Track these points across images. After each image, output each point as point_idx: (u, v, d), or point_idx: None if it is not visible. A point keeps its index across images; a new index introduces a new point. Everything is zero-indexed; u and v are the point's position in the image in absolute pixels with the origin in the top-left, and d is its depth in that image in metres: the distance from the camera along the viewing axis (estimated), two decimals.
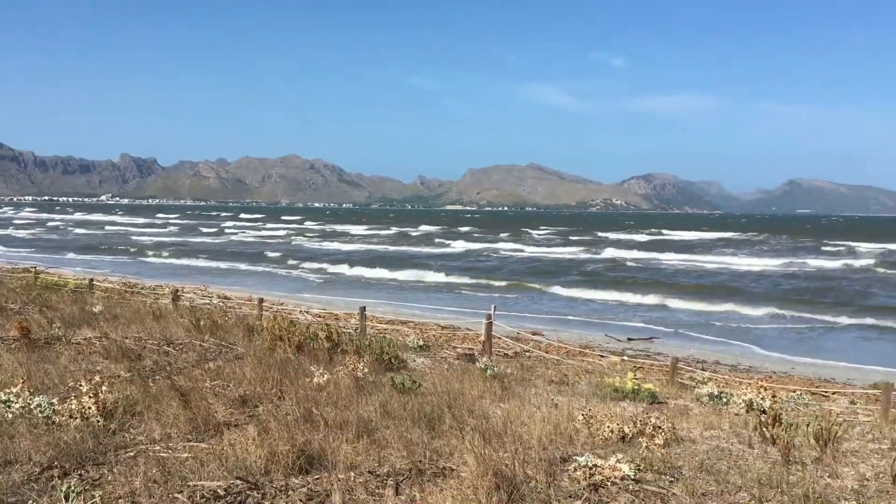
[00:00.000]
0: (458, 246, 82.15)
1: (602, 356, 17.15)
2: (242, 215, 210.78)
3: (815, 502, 6.31)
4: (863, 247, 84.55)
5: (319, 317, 22.99)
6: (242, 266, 53.95)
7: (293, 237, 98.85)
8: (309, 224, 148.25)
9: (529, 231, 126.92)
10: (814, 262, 60.87)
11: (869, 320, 30.21)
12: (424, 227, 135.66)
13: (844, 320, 30.29)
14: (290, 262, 58.01)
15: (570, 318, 30.67)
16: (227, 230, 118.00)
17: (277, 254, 65.97)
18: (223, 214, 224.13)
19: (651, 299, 36.93)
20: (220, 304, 23.15)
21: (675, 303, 35.73)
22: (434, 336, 18.80)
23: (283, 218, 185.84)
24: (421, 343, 15.36)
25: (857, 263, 60.13)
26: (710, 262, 61.62)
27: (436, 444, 7.13)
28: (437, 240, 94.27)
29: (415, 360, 13.12)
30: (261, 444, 6.39)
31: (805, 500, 6.28)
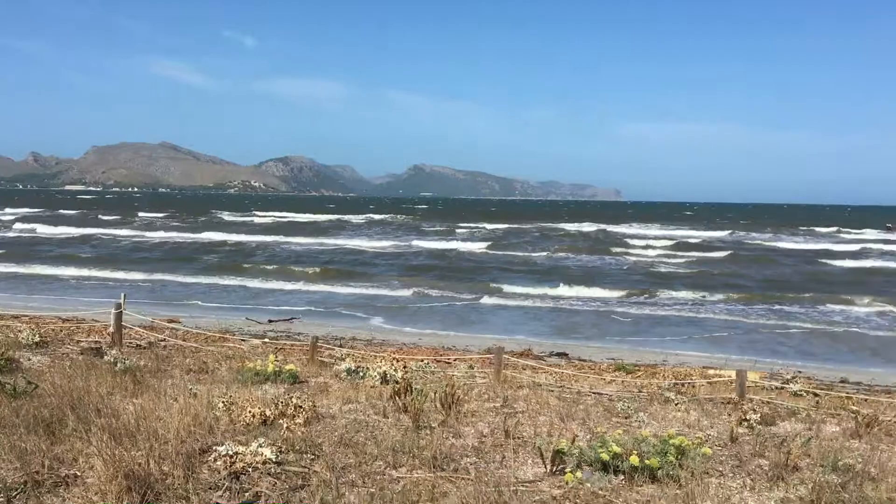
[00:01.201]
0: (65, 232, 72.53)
1: (243, 340, 16.89)
2: None
3: (441, 462, 6.89)
4: (485, 227, 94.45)
5: None
6: None
7: None
8: None
9: (146, 215, 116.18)
10: (432, 245, 65.76)
11: (488, 298, 33.90)
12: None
13: (466, 296, 33.66)
14: None
15: (208, 304, 29.78)
16: None
17: None
18: None
19: (290, 282, 37.73)
20: None
21: (311, 285, 36.78)
22: (54, 330, 16.89)
23: None
24: (38, 339, 13.69)
25: (466, 247, 66.74)
26: (340, 244, 63.75)
27: (57, 450, 6.40)
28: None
29: (30, 359, 11.66)
30: None
31: (433, 461, 6.83)
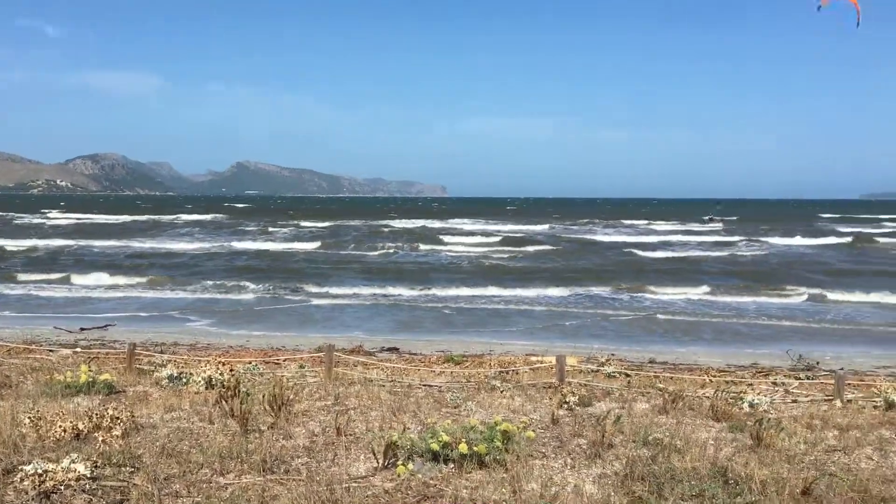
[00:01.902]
0: None
1: (51, 350, 15.66)
2: None
3: (271, 465, 6.75)
4: (312, 225, 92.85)
5: None
6: None
7: None
8: None
9: None
10: (256, 245, 63.49)
11: (317, 299, 33.52)
12: None
13: (293, 297, 33.09)
14: None
15: (5, 314, 27.33)
16: None
17: None
18: None
19: (100, 288, 35.44)
20: None
21: (125, 291, 34.81)
22: None
23: None
24: None
25: (304, 246, 65.54)
26: (154, 246, 59.93)
27: None
28: None
29: None
30: None
31: (263, 465, 6.68)
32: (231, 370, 11.54)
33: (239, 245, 61.36)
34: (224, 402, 8.65)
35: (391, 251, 57.37)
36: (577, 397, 10.39)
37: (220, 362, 12.27)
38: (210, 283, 37.10)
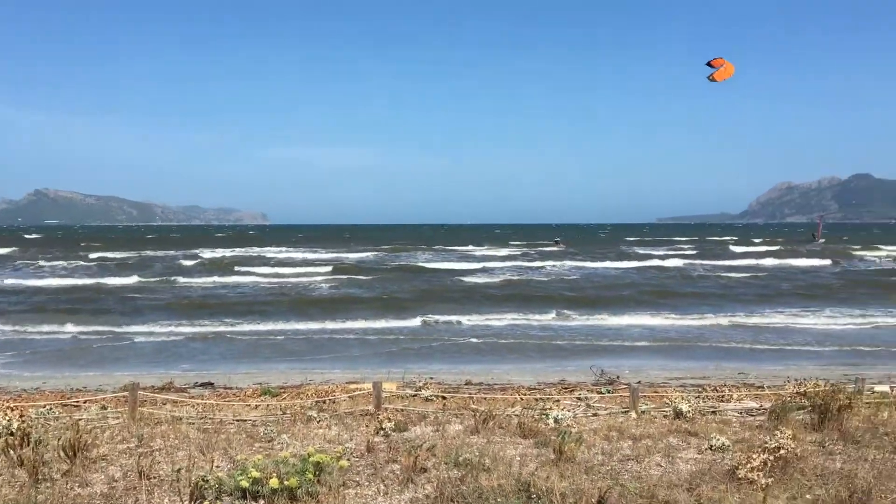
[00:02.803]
0: None
1: None
2: None
3: None
4: (109, 256, 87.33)
5: None
6: None
7: None
8: None
9: None
10: (57, 282, 59.28)
11: (122, 336, 31.53)
12: None
13: (96, 335, 30.98)
14: None
15: None
16: None
17: None
18: None
19: None
20: None
21: None
22: None
23: None
24: None
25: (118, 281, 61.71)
26: None
27: None
28: None
29: None
30: None
31: None
32: (21, 416, 10.62)
33: (29, 282, 55.90)
34: (11, 451, 7.97)
35: (204, 282, 55.15)
36: (394, 423, 10.49)
37: (8, 407, 11.26)
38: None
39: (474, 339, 28.73)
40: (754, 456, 7.48)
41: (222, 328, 31.97)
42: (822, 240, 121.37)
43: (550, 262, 71.86)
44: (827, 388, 10.61)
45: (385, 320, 33.96)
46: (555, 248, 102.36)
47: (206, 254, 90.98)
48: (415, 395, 14.74)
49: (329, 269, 65.56)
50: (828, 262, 72.54)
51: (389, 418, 10.60)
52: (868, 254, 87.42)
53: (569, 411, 12.07)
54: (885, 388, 15.38)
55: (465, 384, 18.57)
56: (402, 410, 12.34)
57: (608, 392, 15.50)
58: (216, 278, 57.38)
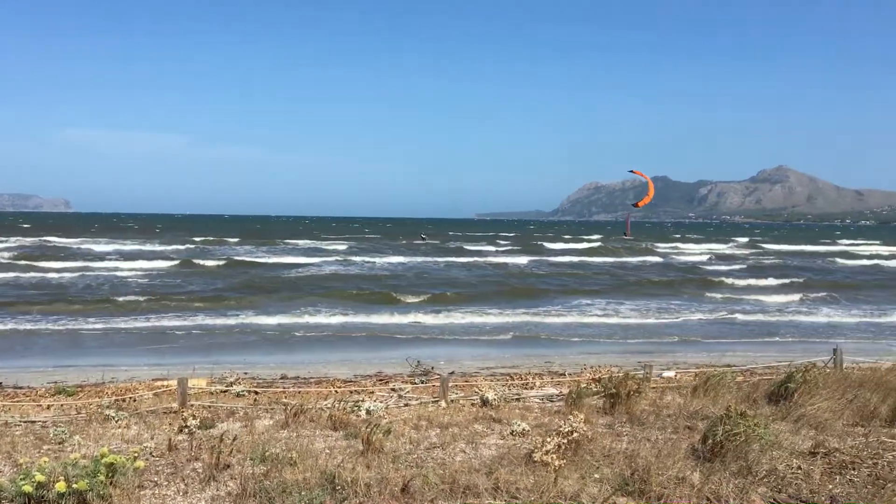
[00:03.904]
0: None
1: None
2: None
3: None
4: None
5: None
6: None
7: None
8: None
9: None
10: None
11: None
12: None
13: None
14: None
15: None
16: None
17: None
18: None
19: None
20: None
21: None
22: None
23: None
24: None
25: None
26: None
27: None
28: None
29: None
30: None
31: None
32: None
33: None
34: None
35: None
36: (199, 420, 10.14)
37: None
38: None
39: (297, 333, 28.32)
40: (549, 440, 7.94)
41: (13, 325, 29.39)
42: (631, 236, 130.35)
43: (380, 257, 72.02)
44: (619, 374, 11.46)
45: (203, 316, 32.65)
46: (420, 242, 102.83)
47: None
48: (225, 391, 14.32)
49: (137, 263, 61.98)
50: (642, 258, 77.92)
51: (195, 415, 10.24)
52: (662, 246, 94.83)
53: (381, 402, 12.21)
54: (671, 373, 16.82)
55: (281, 378, 18.25)
56: (209, 407, 11.96)
57: (422, 382, 15.82)
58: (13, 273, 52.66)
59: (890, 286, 50.41)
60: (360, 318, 32.31)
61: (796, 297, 43.02)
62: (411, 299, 38.96)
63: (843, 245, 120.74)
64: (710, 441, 8.20)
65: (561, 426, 8.33)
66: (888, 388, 10.91)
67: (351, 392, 14.05)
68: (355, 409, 11.04)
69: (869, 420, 9.84)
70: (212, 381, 15.86)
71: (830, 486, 7.30)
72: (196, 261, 60.83)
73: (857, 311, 37.70)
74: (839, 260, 78.52)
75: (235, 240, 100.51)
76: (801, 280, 52.57)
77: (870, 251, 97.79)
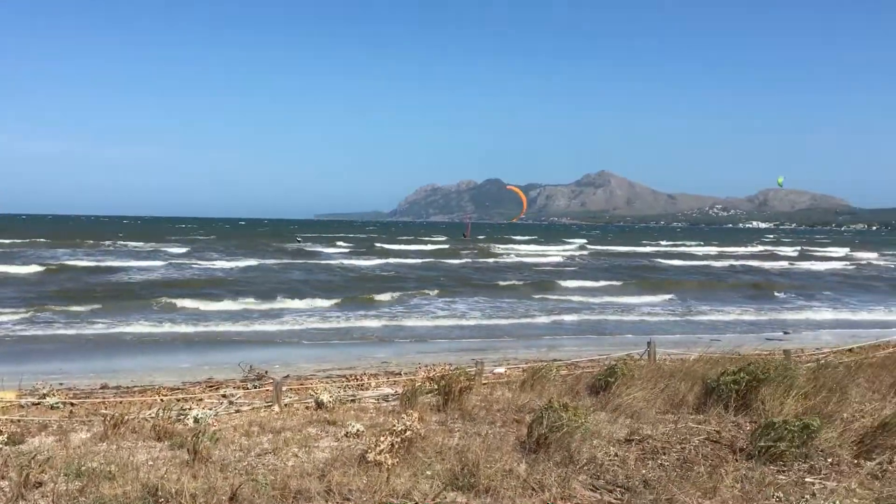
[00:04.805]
0: None
1: None
2: None
3: None
4: None
5: None
6: None
7: None
8: None
9: None
10: None
11: None
12: None
13: None
14: None
15: None
16: None
17: None
18: None
19: None
20: None
21: None
22: None
23: None
24: None
25: None
26: None
27: None
28: None
29: None
30: None
31: None
32: None
33: None
34: None
35: None
36: (7, 436, 9.36)
37: None
38: None
39: (121, 340, 26.78)
40: (383, 439, 7.98)
41: None
42: (471, 238, 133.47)
43: (219, 260, 69.22)
44: (452, 372, 11.71)
45: (11, 324, 30.11)
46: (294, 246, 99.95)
47: None
48: (37, 404, 13.29)
49: None
50: (483, 259, 79.67)
51: (1, 431, 9.44)
52: (500, 247, 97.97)
53: (211, 409, 11.80)
54: (502, 369, 17.41)
55: (101, 388, 17.19)
56: (18, 421, 11.05)
57: (255, 387, 15.43)
58: None
59: (714, 286, 54.61)
60: (191, 324, 31.02)
61: (623, 298, 45.48)
62: (248, 302, 37.87)
63: (665, 246, 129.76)
64: (536, 433, 8.55)
65: (395, 425, 8.39)
66: (695, 378, 11.81)
67: (178, 400, 13.45)
68: (182, 417, 10.58)
69: (678, 407, 10.62)
70: (22, 393, 14.66)
71: (644, 471, 7.82)
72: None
73: (674, 307, 40.67)
74: (663, 260, 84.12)
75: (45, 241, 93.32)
76: (632, 281, 55.57)
77: (694, 252, 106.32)
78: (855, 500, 6.53)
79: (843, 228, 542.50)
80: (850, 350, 21.97)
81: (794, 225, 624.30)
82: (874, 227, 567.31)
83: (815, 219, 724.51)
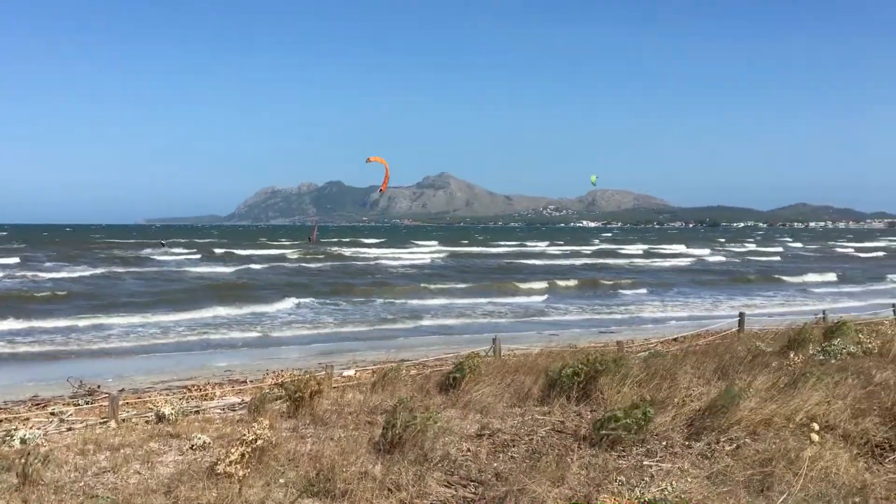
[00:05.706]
0: None
1: None
2: None
3: None
4: None
5: None
6: None
7: None
8: None
9: None
10: None
11: None
12: None
13: None
14: None
15: None
16: None
17: None
18: None
19: None
20: None
21: None
22: None
23: None
24: None
25: None
26: None
27: None
28: None
29: None
30: None
31: None
32: None
33: None
34: None
35: None
36: None
37: None
38: None
39: None
40: (232, 450, 7.73)
41: None
42: (317, 242, 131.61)
43: (44, 271, 63.95)
44: (301, 376, 11.51)
45: None
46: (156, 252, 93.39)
47: None
48: None
49: None
50: (330, 262, 78.55)
51: None
52: (348, 251, 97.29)
53: (39, 429, 10.95)
54: (351, 372, 17.33)
55: None
56: None
57: (87, 403, 14.46)
58: None
59: (555, 287, 56.69)
60: (7, 339, 28.54)
61: (473, 299, 45.80)
62: (79, 317, 35.23)
63: (512, 246, 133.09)
64: (390, 434, 8.59)
65: (245, 435, 8.15)
66: (538, 371, 12.29)
67: (1, 421, 12.38)
68: (7, 439, 9.75)
69: (524, 400, 11.00)
70: None
71: (496, 464, 8.04)
72: None
73: (524, 307, 41.92)
74: (515, 260, 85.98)
75: None
76: (484, 283, 55.96)
77: (548, 251, 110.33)
78: (688, 478, 7.03)
79: (665, 226, 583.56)
80: (675, 339, 23.65)
81: (619, 224, 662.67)
82: (691, 225, 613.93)
83: (638, 217, 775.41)
